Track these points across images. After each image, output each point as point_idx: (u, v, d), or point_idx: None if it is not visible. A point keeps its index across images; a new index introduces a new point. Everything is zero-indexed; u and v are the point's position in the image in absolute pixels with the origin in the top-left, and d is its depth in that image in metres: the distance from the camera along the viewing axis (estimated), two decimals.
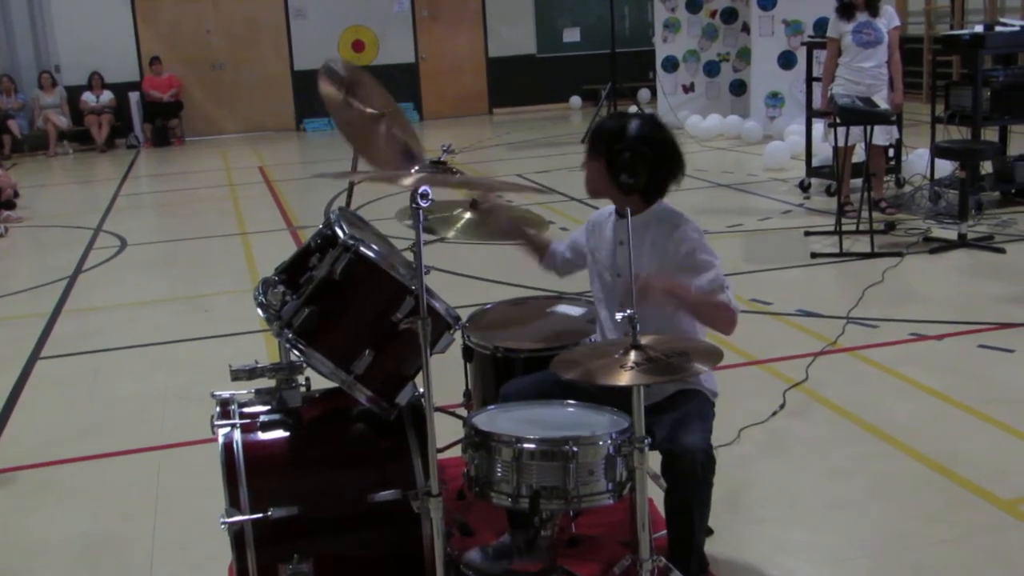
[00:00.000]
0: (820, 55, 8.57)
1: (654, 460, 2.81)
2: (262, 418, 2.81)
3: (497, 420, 2.64)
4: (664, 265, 2.90)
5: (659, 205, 2.99)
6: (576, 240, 3.24)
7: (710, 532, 3.19)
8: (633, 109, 13.81)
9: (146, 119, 15.75)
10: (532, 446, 2.47)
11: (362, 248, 2.70)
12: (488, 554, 3.03)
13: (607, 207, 3.14)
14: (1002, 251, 6.63)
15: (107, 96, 15.49)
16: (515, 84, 17.55)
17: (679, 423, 2.76)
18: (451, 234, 3.40)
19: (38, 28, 15.63)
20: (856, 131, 7.05)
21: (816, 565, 3.15)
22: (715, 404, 3.00)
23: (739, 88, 13.43)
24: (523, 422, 2.63)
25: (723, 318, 2.85)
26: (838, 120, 7.02)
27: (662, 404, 2.87)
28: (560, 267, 3.30)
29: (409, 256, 3.09)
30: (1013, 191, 8.03)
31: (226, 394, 2.89)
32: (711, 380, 3.01)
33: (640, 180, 2.90)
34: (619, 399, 2.61)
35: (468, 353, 3.40)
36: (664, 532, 3.12)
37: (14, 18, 15.47)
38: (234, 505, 2.66)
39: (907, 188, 8.41)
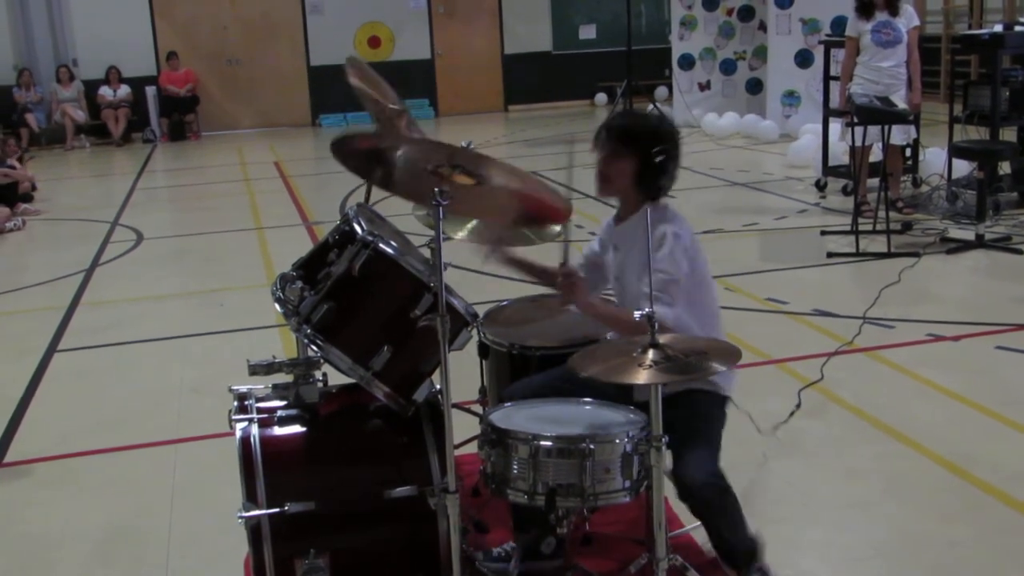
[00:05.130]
0: (837, 54, 8.54)
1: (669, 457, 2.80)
2: (279, 413, 2.82)
3: (514, 417, 2.64)
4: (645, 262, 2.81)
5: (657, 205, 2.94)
6: (591, 253, 3.17)
7: None
8: (649, 107, 13.81)
9: (162, 114, 15.81)
10: (549, 443, 2.47)
11: (381, 245, 2.70)
12: (492, 556, 3.04)
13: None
14: (1020, 252, 6.59)
15: (124, 90, 15.54)
16: (531, 81, 17.54)
17: (684, 447, 2.70)
18: (461, 235, 3.39)
19: (56, 22, 15.70)
20: (873, 131, 7.02)
21: (832, 565, 3.14)
22: (727, 402, 2.96)
23: (755, 86, 13.39)
24: (540, 419, 2.63)
25: (625, 329, 2.72)
26: (855, 119, 6.99)
27: (667, 400, 2.82)
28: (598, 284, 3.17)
29: (427, 253, 3.10)
30: None
31: (243, 388, 2.90)
32: (726, 379, 2.98)
33: (670, 183, 2.91)
34: (628, 398, 2.62)
35: (484, 350, 3.40)
36: (679, 531, 3.14)
37: (32, 12, 15.54)
38: (251, 499, 2.66)
39: (924, 188, 8.37)
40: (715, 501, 2.69)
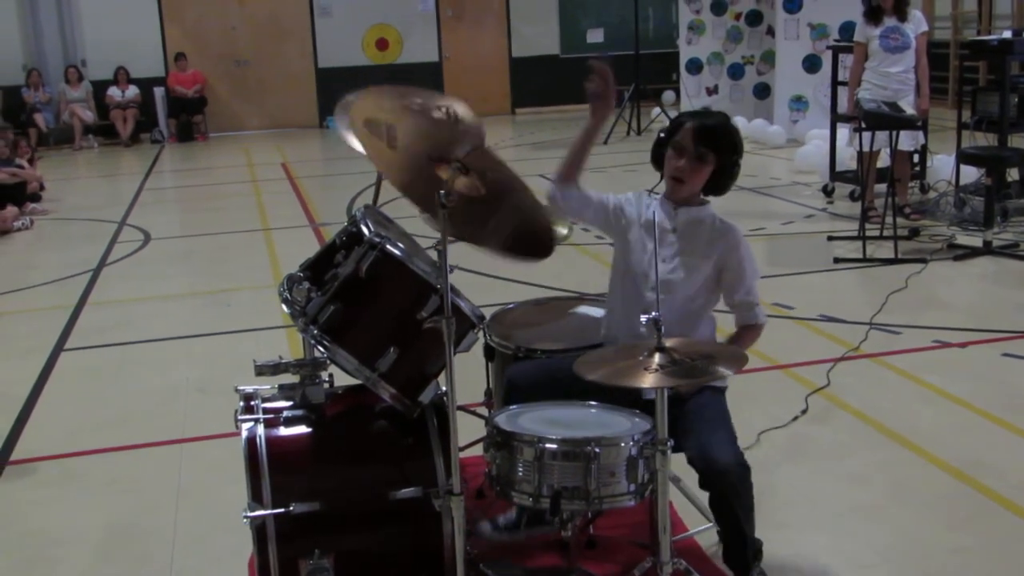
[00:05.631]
0: (846, 59, 8.53)
1: (675, 461, 2.80)
2: (285, 414, 2.82)
3: (519, 420, 2.64)
4: (709, 266, 3.02)
5: (711, 207, 3.10)
6: (607, 200, 3.11)
7: None
8: (656, 111, 13.80)
9: (171, 114, 15.85)
10: (554, 446, 2.47)
11: (388, 246, 2.71)
12: (498, 525, 3.06)
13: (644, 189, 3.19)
14: None
15: (132, 91, 15.59)
16: (538, 84, 17.54)
17: (705, 436, 2.73)
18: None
19: (65, 23, 15.75)
20: (881, 136, 7.01)
21: (836, 570, 3.13)
22: (725, 393, 3.00)
23: (763, 91, 13.39)
24: (545, 422, 2.63)
25: (753, 341, 3.07)
26: (863, 125, 6.98)
27: (673, 400, 2.83)
28: (574, 203, 3.08)
29: (433, 255, 3.10)
30: None
31: (249, 389, 2.91)
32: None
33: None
34: (630, 397, 2.62)
35: (490, 352, 3.40)
36: (684, 535, 3.13)
37: (42, 13, 15.59)
38: (256, 500, 2.67)
39: (932, 194, 8.36)
40: (742, 484, 2.71)
